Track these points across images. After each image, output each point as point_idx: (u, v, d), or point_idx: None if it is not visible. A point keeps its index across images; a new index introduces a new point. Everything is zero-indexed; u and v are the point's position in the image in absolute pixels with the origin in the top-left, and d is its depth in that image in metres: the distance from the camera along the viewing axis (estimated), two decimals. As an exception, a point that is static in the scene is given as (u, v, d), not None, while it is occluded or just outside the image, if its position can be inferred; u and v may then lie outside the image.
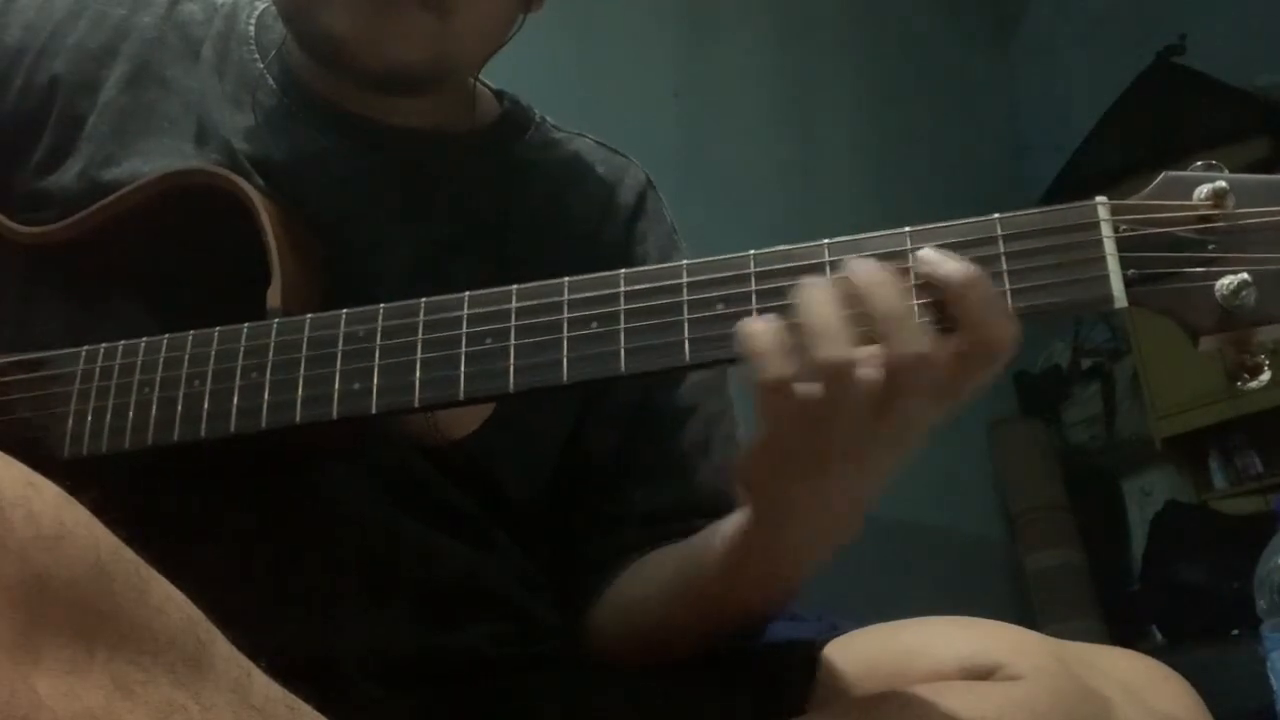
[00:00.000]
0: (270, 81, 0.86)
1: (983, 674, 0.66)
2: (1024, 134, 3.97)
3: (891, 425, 0.60)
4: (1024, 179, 3.74)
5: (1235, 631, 2.54)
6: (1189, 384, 3.10)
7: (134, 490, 0.64)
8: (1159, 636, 3.12)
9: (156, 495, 0.71)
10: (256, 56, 0.87)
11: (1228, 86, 3.31)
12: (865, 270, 0.60)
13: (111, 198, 0.78)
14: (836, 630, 0.76)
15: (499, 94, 0.95)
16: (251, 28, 0.89)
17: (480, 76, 0.91)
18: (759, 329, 0.60)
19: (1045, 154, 3.69)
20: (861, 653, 0.72)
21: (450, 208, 0.86)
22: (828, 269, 0.63)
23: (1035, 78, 3.99)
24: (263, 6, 0.91)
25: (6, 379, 0.74)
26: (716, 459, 0.86)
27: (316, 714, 0.52)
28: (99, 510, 0.47)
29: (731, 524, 0.71)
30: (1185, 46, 3.46)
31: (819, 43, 3.30)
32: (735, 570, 0.71)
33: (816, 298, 0.60)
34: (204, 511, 0.72)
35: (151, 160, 0.81)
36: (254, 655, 0.50)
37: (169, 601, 0.47)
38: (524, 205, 0.89)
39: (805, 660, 0.73)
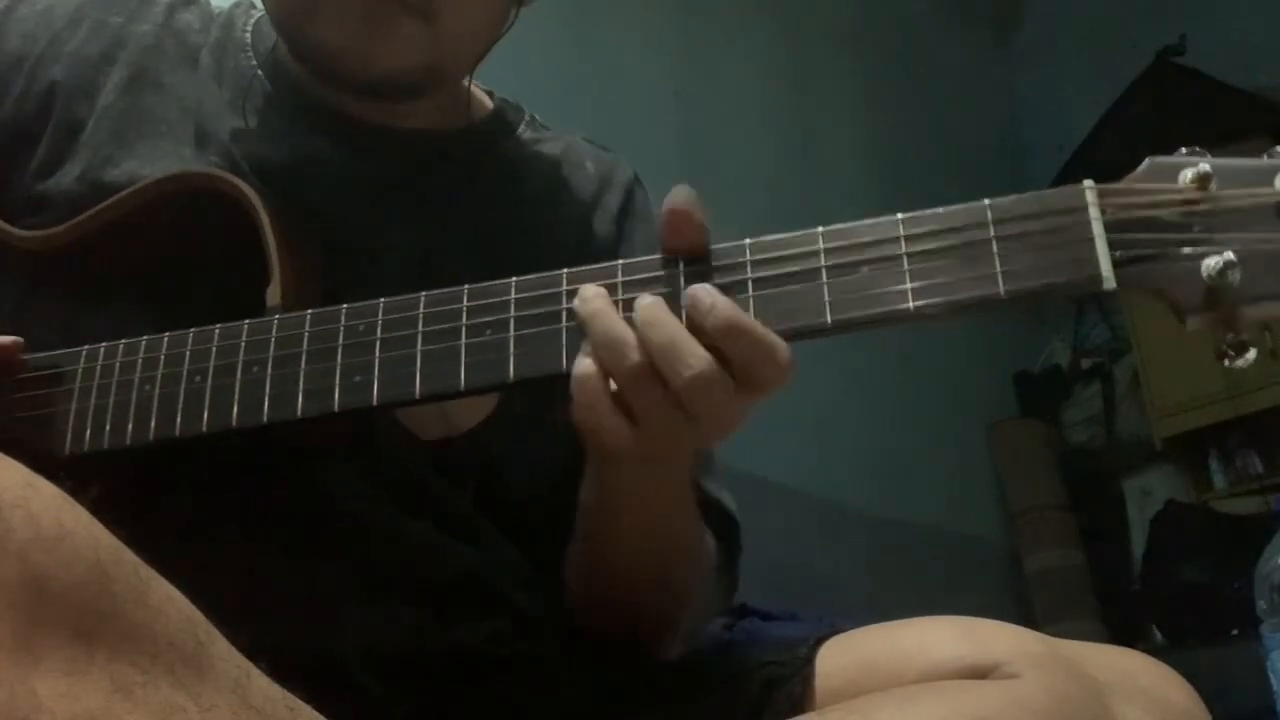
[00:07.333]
0: (268, 87, 0.87)
1: (981, 673, 0.66)
2: (1024, 134, 3.96)
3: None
4: (1024, 179, 3.74)
5: (1235, 631, 2.54)
6: (1189, 384, 3.10)
7: (134, 491, 0.64)
8: (1159, 636, 3.11)
9: (157, 496, 0.71)
10: (254, 63, 0.88)
11: (1228, 86, 3.31)
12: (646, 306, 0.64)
13: (110, 201, 0.79)
14: (836, 630, 0.76)
15: (489, 93, 0.96)
16: (248, 35, 0.90)
17: (477, 77, 0.92)
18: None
19: (1045, 154, 3.68)
20: (861, 653, 0.72)
21: (447, 208, 0.87)
22: (821, 256, 0.63)
23: (1035, 78, 3.98)
24: (258, 15, 0.92)
25: (7, 380, 0.74)
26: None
27: (316, 714, 0.52)
28: (99, 510, 0.47)
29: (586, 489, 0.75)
30: (1185, 46, 3.46)
31: (819, 43, 3.30)
32: (608, 523, 0.75)
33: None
34: (204, 512, 0.73)
35: (150, 162, 0.81)
36: (254, 655, 0.50)
37: (169, 602, 0.47)
38: (517, 203, 0.90)
39: (805, 660, 0.73)
